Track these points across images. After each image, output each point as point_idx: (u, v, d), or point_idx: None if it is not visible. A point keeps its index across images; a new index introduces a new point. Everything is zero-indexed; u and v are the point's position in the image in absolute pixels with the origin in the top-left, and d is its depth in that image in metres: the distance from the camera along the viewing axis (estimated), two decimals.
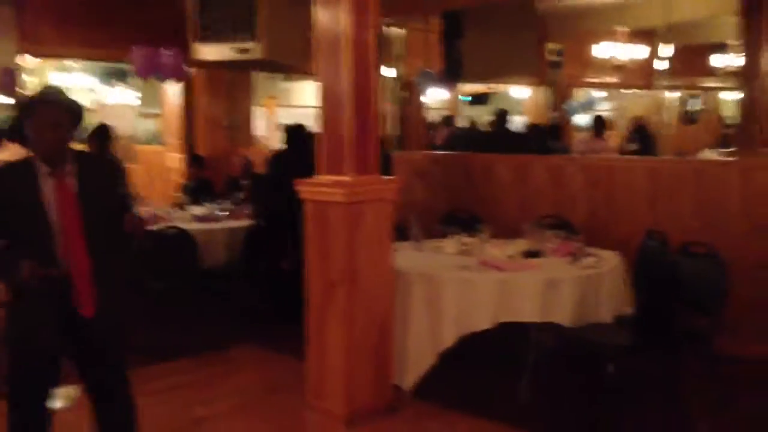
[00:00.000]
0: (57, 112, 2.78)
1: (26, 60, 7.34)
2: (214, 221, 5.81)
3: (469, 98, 14.47)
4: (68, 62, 11.55)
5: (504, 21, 7.24)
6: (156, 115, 12.79)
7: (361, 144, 3.68)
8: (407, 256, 4.21)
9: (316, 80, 3.87)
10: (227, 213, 5.99)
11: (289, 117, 12.18)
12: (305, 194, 3.81)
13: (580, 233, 4.64)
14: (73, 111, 2.85)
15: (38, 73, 12.40)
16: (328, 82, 3.74)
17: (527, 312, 3.75)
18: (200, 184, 6.97)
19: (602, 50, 10.96)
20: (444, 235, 4.71)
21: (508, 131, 7.26)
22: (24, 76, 7.26)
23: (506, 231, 4.81)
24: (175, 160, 8.38)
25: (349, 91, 3.62)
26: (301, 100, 14.33)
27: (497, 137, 7.01)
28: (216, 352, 4.88)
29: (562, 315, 3.78)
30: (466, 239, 4.53)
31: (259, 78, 9.35)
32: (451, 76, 7.73)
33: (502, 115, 7.42)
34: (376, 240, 3.77)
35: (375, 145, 3.77)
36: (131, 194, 3.13)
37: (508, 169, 5.92)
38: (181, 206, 6.32)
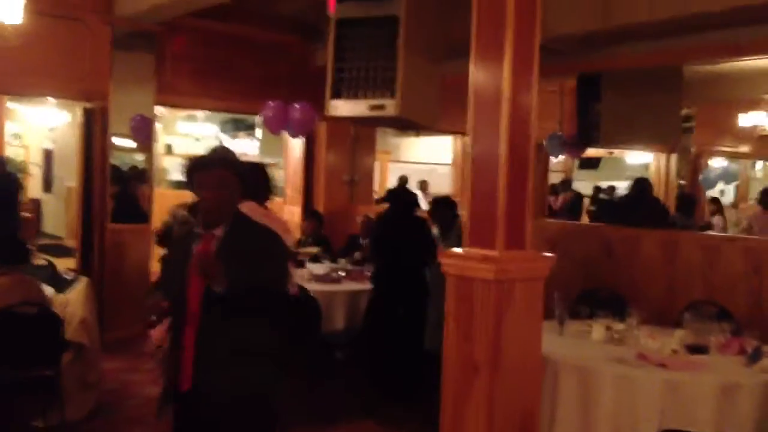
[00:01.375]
0: (218, 174, 2.64)
1: (158, 108, 7.50)
2: (334, 282, 5.57)
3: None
4: (194, 111, 11.91)
5: (646, 84, 6.77)
6: (274, 165, 12.99)
7: (514, 216, 3.33)
8: (551, 341, 3.77)
9: (465, 141, 3.57)
10: (344, 273, 5.75)
11: (400, 172, 12.10)
12: (448, 267, 3.48)
13: (742, 326, 4.08)
14: (239, 173, 2.70)
15: (166, 121, 12.93)
16: (480, 145, 3.42)
17: (700, 421, 3.23)
18: (317, 240, 6.80)
19: (748, 119, 10.23)
20: (590, 316, 4.26)
21: (654, 201, 6.79)
22: (155, 123, 7.39)
23: (654, 316, 4.32)
24: (294, 213, 8.29)
25: (505, 155, 3.29)
26: (412, 156, 14.22)
27: (638, 208, 6.50)
28: (328, 426, 4.56)
29: (740, 427, 3.24)
30: (615, 325, 4.06)
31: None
32: (584, 139, 7.29)
33: (641, 184, 6.91)
34: (526, 323, 3.37)
35: (529, 217, 3.41)
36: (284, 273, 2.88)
37: (655, 244, 5.39)
38: (299, 263, 6.14)
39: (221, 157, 2.76)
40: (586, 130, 7.16)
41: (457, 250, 3.53)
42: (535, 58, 3.35)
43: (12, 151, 11.37)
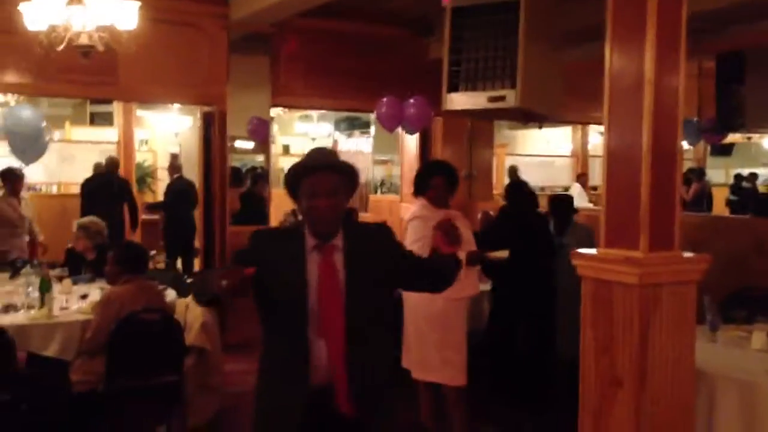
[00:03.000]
0: (331, 179, 2.40)
1: (274, 109, 7.53)
2: None
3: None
4: (309, 111, 12.00)
5: None
6: (386, 162, 12.90)
7: (660, 212, 2.96)
8: (703, 350, 3.36)
9: (601, 132, 3.23)
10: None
11: (518, 165, 11.67)
12: (584, 270, 3.16)
13: None
14: (349, 177, 2.48)
15: (283, 122, 13.13)
16: (618, 136, 3.08)
17: None
18: None
19: None
20: (747, 321, 3.80)
21: None
22: (272, 126, 7.42)
23: None
24: (410, 211, 8.11)
25: (648, 147, 2.93)
26: (528, 149, 13.73)
27: None
28: None
29: None
30: None
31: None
32: (725, 124, 6.67)
33: None
34: (676, 332, 3.00)
35: (678, 214, 3.03)
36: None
37: None
38: None
39: (330, 160, 2.50)
40: (727, 115, 6.56)
41: (591, 250, 3.21)
42: (681, 36, 2.97)
43: (141, 157, 11.86)
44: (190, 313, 4.50)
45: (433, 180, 4.32)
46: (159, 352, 4.07)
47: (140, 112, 11.26)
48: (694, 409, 3.08)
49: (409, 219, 4.21)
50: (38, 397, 3.97)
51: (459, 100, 4.78)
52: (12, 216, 6.52)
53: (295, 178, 2.44)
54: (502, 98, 4.67)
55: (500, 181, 10.94)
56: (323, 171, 2.41)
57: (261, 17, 6.57)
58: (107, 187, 7.94)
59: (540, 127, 7.36)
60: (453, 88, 4.79)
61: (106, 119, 12.64)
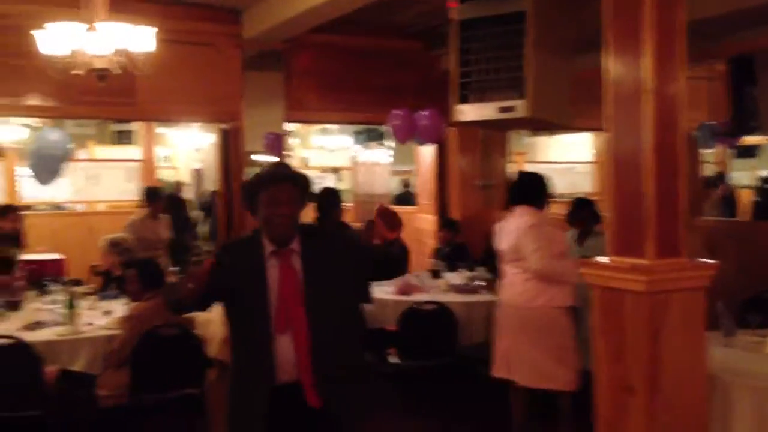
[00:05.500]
0: (288, 189, 2.62)
1: (290, 124, 7.63)
2: (472, 293, 5.36)
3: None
4: (326, 125, 12.11)
5: None
6: (406, 173, 12.96)
7: (665, 219, 3.00)
8: (717, 356, 3.37)
9: (603, 139, 3.27)
10: (484, 284, 5.51)
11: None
12: (591, 278, 3.20)
13: None
14: (303, 187, 2.69)
15: (301, 135, 13.26)
16: (621, 143, 3.12)
17: None
18: (454, 249, 6.62)
19: None
20: (761, 326, 3.79)
21: None
22: (289, 140, 7.52)
23: None
24: (428, 222, 8.16)
25: (651, 152, 2.97)
26: (548, 156, 13.68)
27: None
28: None
29: None
30: None
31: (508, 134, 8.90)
32: (739, 127, 6.64)
33: None
34: (686, 338, 3.02)
35: (683, 220, 3.06)
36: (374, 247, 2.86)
37: None
38: (435, 273, 5.98)
39: (286, 172, 2.72)
40: (741, 118, 6.53)
41: (601, 258, 3.24)
42: (679, 43, 3.01)
43: (164, 173, 12.05)
44: (212, 327, 4.59)
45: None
46: (181, 366, 4.17)
47: (162, 130, 11.45)
48: (708, 415, 3.09)
49: (529, 226, 4.18)
50: (67, 412, 4.09)
51: (469, 112, 4.83)
52: (151, 237, 6.48)
53: (255, 189, 2.64)
54: (511, 109, 4.72)
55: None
56: (281, 182, 2.62)
57: (273, 34, 6.68)
58: None
59: (551, 135, 7.36)
60: (463, 99, 4.84)
61: (129, 138, 12.90)
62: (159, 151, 11.47)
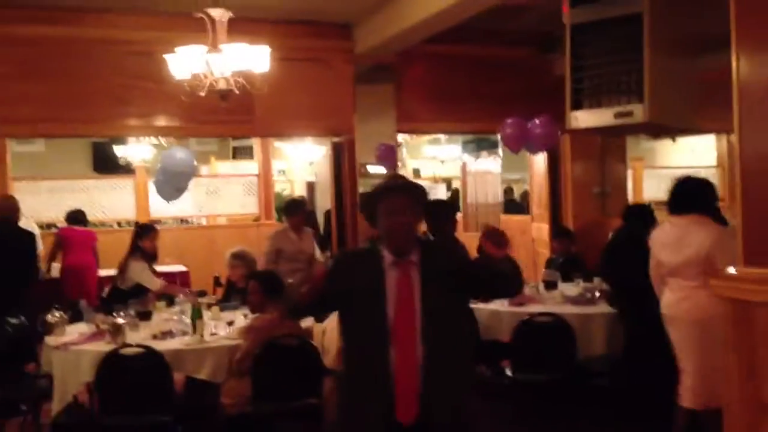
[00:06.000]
0: (405, 200, 2.65)
1: (401, 135, 7.71)
2: (589, 304, 5.20)
3: None
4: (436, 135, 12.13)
5: None
6: (516, 181, 12.77)
7: None
8: None
9: (729, 142, 3.09)
10: (600, 294, 5.33)
11: (656, 179, 11.15)
12: (722, 290, 3.02)
13: None
14: (419, 197, 2.73)
15: (412, 146, 13.35)
16: (752, 148, 2.93)
17: None
18: (569, 259, 6.45)
19: None
20: None
21: None
22: (401, 151, 7.60)
23: None
24: (541, 231, 8.01)
25: None
26: (669, 161, 13.08)
27: None
28: None
29: None
30: None
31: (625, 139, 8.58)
32: None
33: None
34: None
35: None
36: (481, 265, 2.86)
37: None
38: (550, 284, 5.84)
39: (403, 183, 2.79)
40: None
41: (730, 269, 3.06)
42: None
43: (279, 186, 12.44)
44: (327, 337, 4.69)
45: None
46: (299, 375, 4.27)
47: (277, 144, 11.84)
48: None
49: (720, 237, 3.99)
50: (193, 418, 4.30)
51: (584, 118, 4.70)
52: (293, 250, 6.36)
53: (373, 200, 2.70)
54: (629, 114, 4.55)
55: (638, 196, 10.51)
56: (398, 192, 2.67)
57: (385, 48, 6.78)
58: None
59: (674, 140, 7.04)
60: (577, 105, 4.72)
61: (246, 153, 13.42)
62: (275, 165, 11.86)
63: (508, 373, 4.80)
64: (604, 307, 5.08)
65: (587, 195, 7.72)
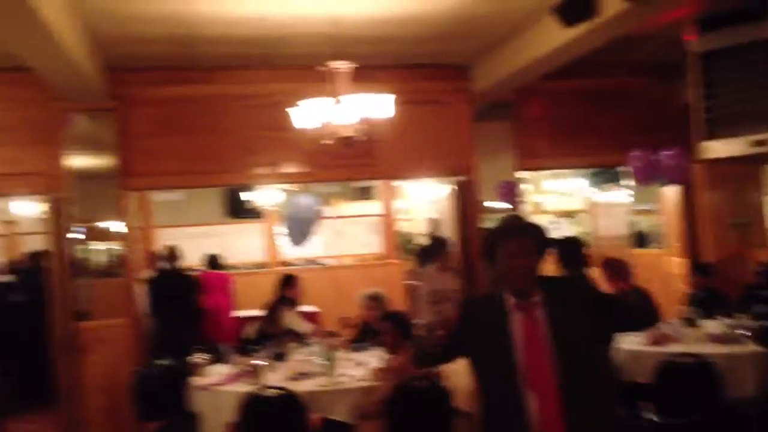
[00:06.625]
0: (523, 241, 2.66)
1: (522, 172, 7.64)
2: (735, 343, 4.90)
3: None
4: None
5: None
6: (648, 212, 12.24)
7: None
8: None
9: None
10: (749, 333, 4.99)
11: None
12: None
13: None
14: (537, 238, 2.73)
15: (533, 180, 13.12)
16: None
17: None
18: (709, 294, 6.12)
19: None
20: None
21: None
22: (522, 186, 7.53)
23: None
24: (676, 265, 7.65)
25: None
26: None
27: None
28: None
29: None
30: None
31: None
32: None
33: None
34: None
35: None
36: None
37: None
38: (690, 321, 5.56)
39: (521, 225, 2.86)
40: None
41: None
42: None
43: (402, 225, 12.55)
44: (457, 378, 4.68)
45: None
46: (430, 416, 4.28)
47: (399, 183, 11.97)
48: None
49: None
50: None
51: (717, 148, 4.55)
52: (440, 288, 6.29)
53: (491, 242, 2.73)
54: (765, 143, 4.35)
55: None
56: (514, 235, 2.69)
57: (503, 86, 6.80)
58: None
59: None
60: (708, 135, 4.57)
61: (368, 193, 13.68)
62: (397, 204, 12.01)
63: (647, 415, 4.59)
64: (752, 347, 4.78)
65: (724, 226, 7.32)
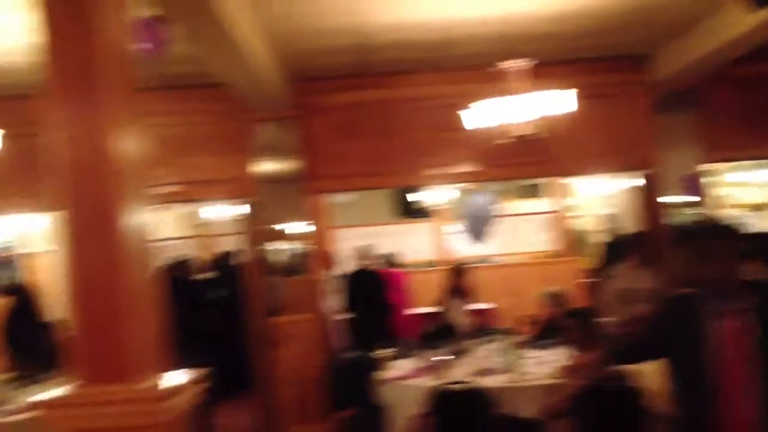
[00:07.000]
0: (717, 244, 2.53)
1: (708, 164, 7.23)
2: None
3: None
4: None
5: None
6: None
7: None
8: None
9: None
10: None
11: None
12: None
13: None
14: (733, 240, 2.58)
15: (715, 172, 12.30)
16: None
17: None
18: None
19: None
20: None
21: None
22: (704, 179, 7.14)
23: None
24: None
25: None
26: None
27: None
28: None
29: None
30: None
31: None
32: None
33: None
34: None
35: None
36: None
37: None
38: None
39: (714, 228, 2.67)
40: None
41: None
42: None
43: (572, 222, 12.24)
44: (647, 378, 4.53)
45: None
46: (620, 416, 4.17)
47: (568, 180, 11.69)
48: None
49: None
50: None
51: None
52: (632, 287, 5.91)
53: (684, 244, 2.61)
54: None
55: None
56: (707, 239, 2.55)
57: (687, 73, 6.46)
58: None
59: None
60: None
61: (536, 191, 13.46)
62: (566, 201, 11.72)
63: None
64: None
65: None
